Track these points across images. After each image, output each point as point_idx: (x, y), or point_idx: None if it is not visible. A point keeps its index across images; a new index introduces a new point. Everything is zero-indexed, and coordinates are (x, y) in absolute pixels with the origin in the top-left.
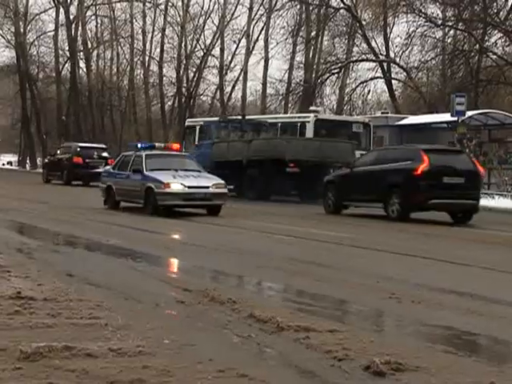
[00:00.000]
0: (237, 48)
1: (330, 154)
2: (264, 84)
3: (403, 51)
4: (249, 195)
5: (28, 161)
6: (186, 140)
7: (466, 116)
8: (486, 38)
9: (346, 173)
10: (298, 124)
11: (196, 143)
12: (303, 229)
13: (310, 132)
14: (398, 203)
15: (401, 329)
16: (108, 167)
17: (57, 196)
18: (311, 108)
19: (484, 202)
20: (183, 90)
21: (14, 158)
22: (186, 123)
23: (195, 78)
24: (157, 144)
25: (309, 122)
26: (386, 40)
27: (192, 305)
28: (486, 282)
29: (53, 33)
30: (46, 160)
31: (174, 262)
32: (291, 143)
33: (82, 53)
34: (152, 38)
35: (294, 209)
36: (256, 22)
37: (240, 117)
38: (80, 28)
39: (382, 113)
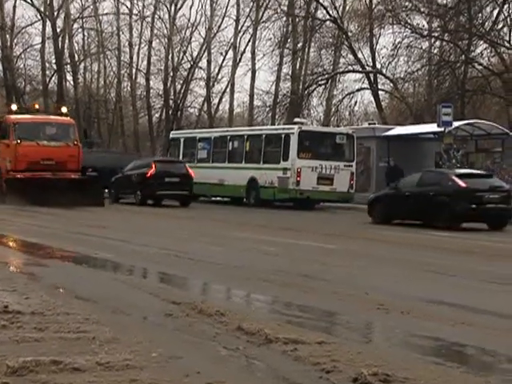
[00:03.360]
0: (224, 60)
1: (119, 163)
2: (251, 96)
3: (389, 62)
4: None
5: None
6: (170, 152)
7: (453, 126)
8: (472, 48)
9: (120, 176)
10: (283, 135)
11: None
12: None
13: (294, 143)
14: (139, 194)
15: (389, 340)
16: None
17: None
18: (295, 120)
19: None
20: (170, 102)
21: None
22: (171, 135)
23: (182, 90)
24: None
25: (293, 133)
26: (373, 51)
27: (180, 317)
28: (474, 293)
29: (39, 46)
30: None
31: None
32: (91, 154)
33: (68, 65)
34: (139, 50)
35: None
36: (243, 34)
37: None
38: (67, 41)
39: (369, 124)
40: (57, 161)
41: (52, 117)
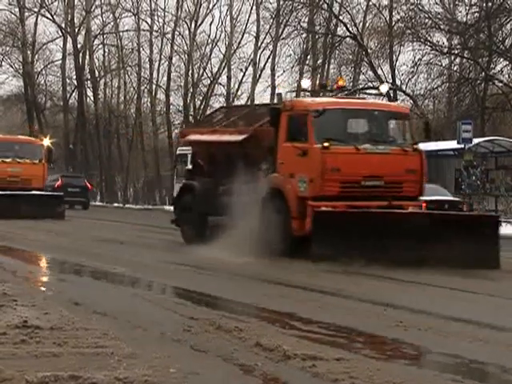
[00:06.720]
0: (243, 76)
1: None
2: None
3: (409, 79)
4: None
5: None
6: (177, 168)
7: (473, 143)
8: (492, 65)
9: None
10: None
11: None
12: None
13: None
14: None
15: (408, 357)
16: None
17: None
18: None
19: None
20: (190, 117)
21: None
22: (177, 151)
23: (202, 106)
24: None
25: None
26: (392, 68)
27: (198, 333)
28: (492, 310)
29: (60, 62)
30: None
31: None
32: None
33: (89, 81)
34: (159, 66)
35: None
36: (262, 51)
37: None
38: (87, 57)
39: None
40: (387, 180)
41: (367, 101)
